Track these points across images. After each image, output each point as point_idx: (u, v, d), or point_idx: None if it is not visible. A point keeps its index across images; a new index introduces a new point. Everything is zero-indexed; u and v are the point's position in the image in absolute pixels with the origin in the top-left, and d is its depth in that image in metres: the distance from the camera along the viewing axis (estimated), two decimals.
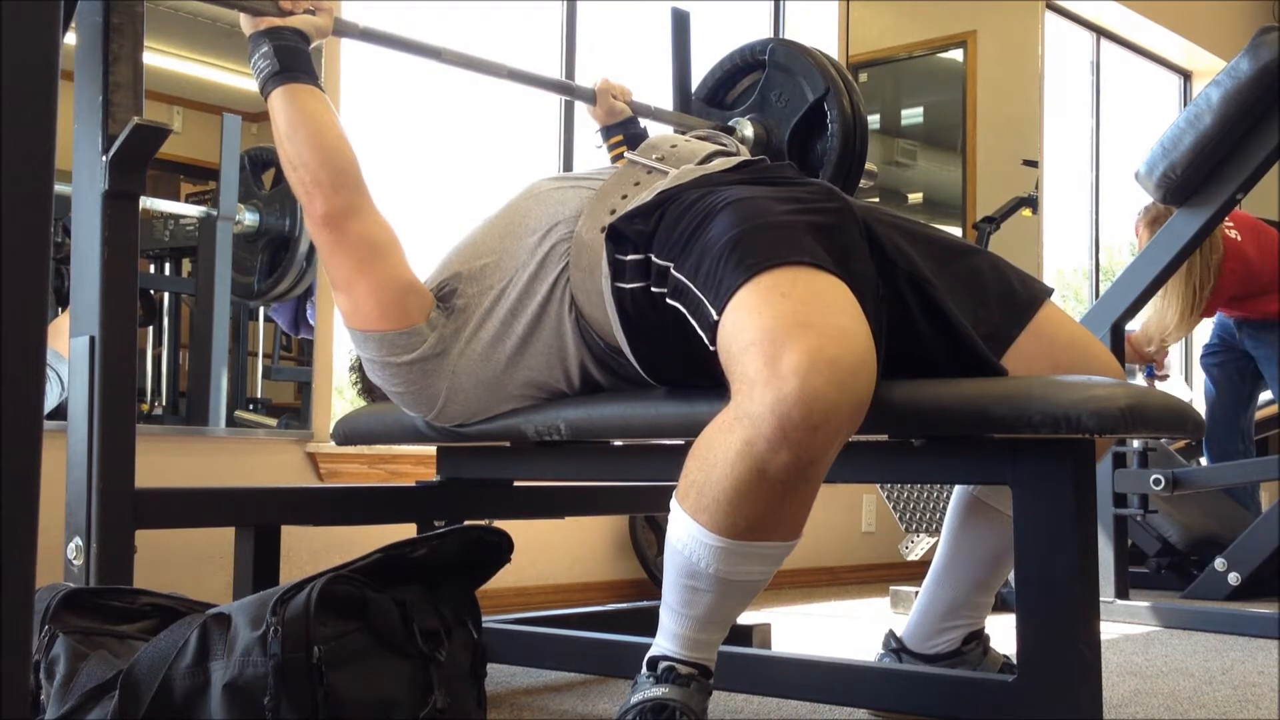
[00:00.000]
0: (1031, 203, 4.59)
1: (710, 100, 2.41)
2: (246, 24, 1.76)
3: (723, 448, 1.33)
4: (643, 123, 2.33)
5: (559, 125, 3.99)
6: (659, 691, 1.41)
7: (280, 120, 1.71)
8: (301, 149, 1.69)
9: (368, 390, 2.09)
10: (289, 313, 3.28)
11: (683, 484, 1.40)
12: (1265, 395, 4.56)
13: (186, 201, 3.22)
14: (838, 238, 1.53)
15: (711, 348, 1.44)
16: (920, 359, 1.58)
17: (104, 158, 1.71)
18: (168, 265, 3.25)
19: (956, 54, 5.25)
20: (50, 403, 2.51)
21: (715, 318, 1.43)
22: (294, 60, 1.73)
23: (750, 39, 2.38)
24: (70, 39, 1.80)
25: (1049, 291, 1.73)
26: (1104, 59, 6.30)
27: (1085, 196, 6.27)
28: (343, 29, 1.89)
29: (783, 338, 1.31)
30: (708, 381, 1.59)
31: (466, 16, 3.96)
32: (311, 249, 3.17)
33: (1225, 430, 4.35)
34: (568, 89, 2.38)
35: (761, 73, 2.30)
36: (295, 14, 1.76)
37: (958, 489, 1.84)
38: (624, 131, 2.29)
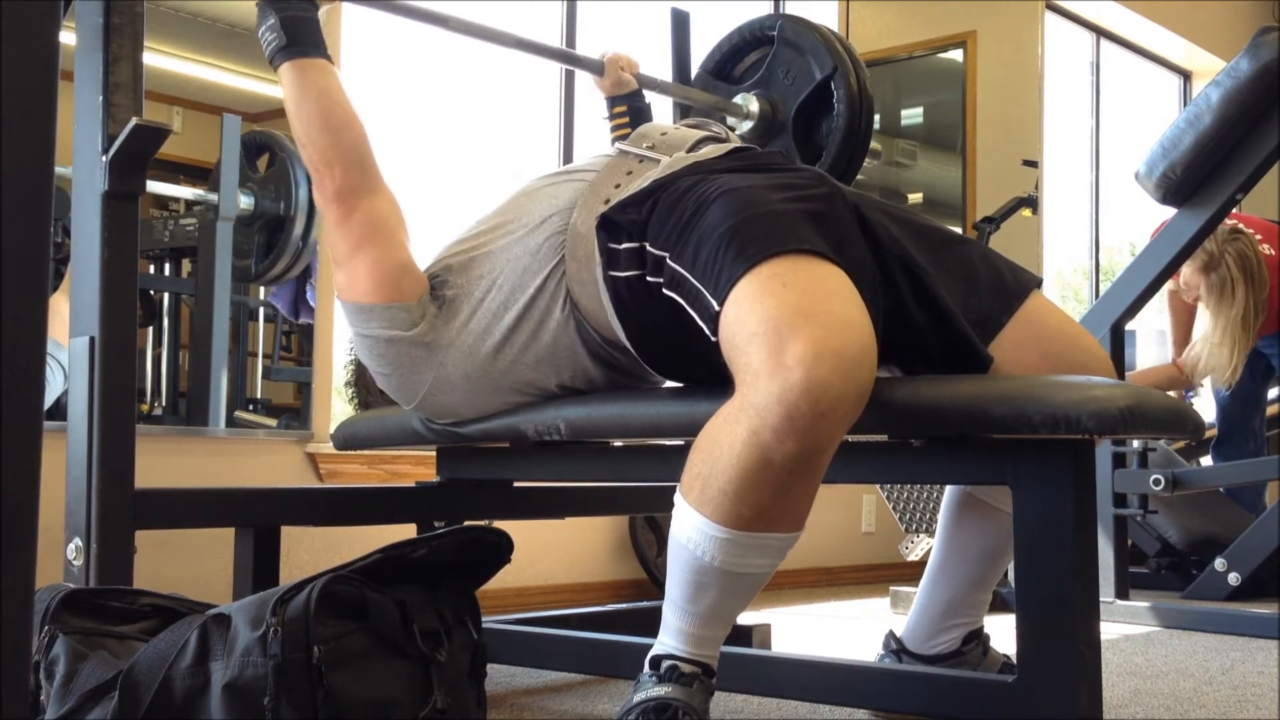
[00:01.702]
0: (1031, 203, 4.59)
1: (716, 73, 2.40)
2: None
3: (728, 438, 1.34)
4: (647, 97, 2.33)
5: (559, 116, 3.99)
6: (662, 691, 1.40)
7: (289, 96, 1.71)
8: (310, 127, 1.70)
9: (364, 405, 2.09)
10: (288, 296, 3.28)
11: (687, 477, 1.40)
12: (1272, 392, 4.53)
13: (186, 203, 3.23)
14: (832, 224, 1.53)
15: (713, 339, 1.44)
16: (911, 345, 1.59)
17: (104, 158, 1.71)
18: (168, 265, 3.26)
19: (956, 54, 5.25)
20: (53, 393, 2.50)
21: (716, 309, 1.42)
22: (301, 32, 1.72)
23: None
24: (70, 39, 1.80)
25: (1038, 281, 1.73)
26: (1104, 59, 6.30)
27: (1085, 196, 6.27)
28: None
29: (786, 328, 1.31)
30: (704, 368, 1.59)
31: (467, 16, 3.95)
32: (307, 229, 3.19)
33: (1238, 431, 4.33)
34: (574, 59, 2.36)
35: (769, 48, 2.29)
36: None
37: (950, 488, 1.84)
38: (629, 103, 2.30)
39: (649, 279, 1.58)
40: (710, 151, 1.76)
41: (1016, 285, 1.70)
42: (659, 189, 1.63)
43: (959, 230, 4.87)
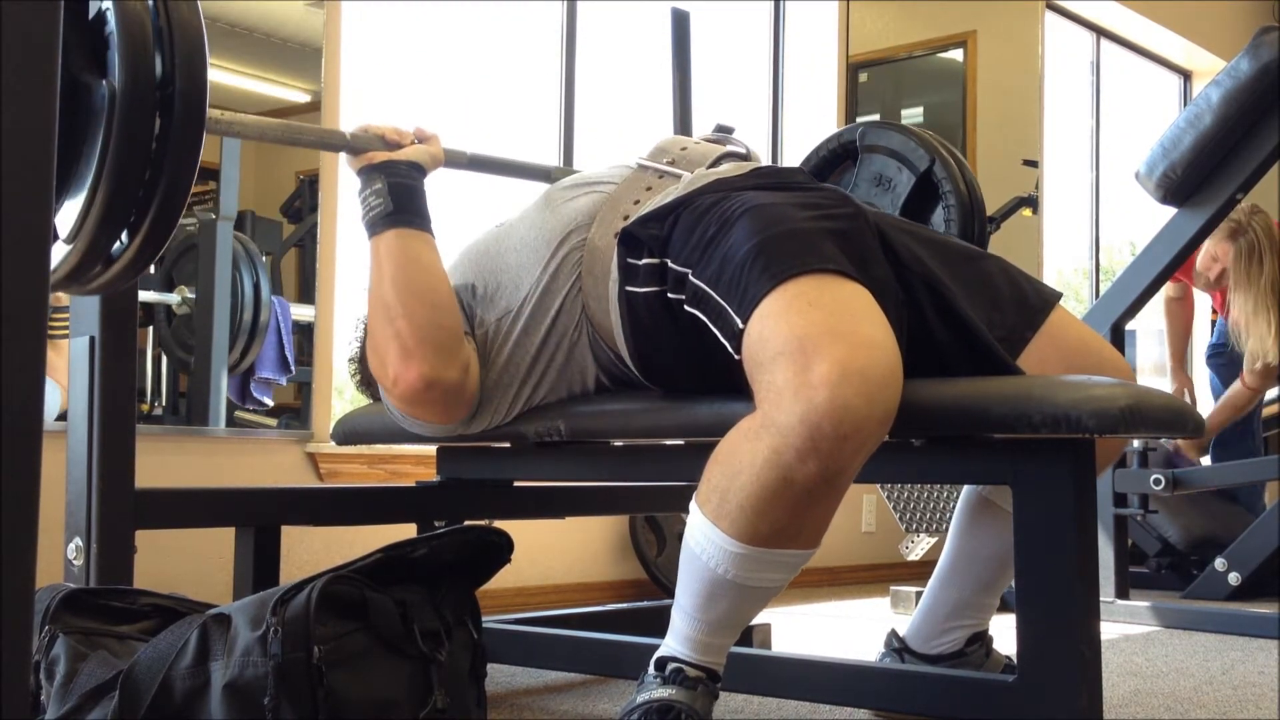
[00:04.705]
0: (1031, 203, 4.58)
1: None
2: (352, 160, 1.70)
3: (748, 455, 1.33)
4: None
5: (559, 124, 3.99)
6: (665, 693, 1.40)
7: (388, 265, 1.63)
8: (411, 303, 1.62)
9: (367, 383, 2.08)
10: (236, 385, 3.28)
11: (703, 489, 1.39)
12: (1271, 393, 4.54)
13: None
14: (856, 243, 1.53)
15: (736, 356, 1.44)
16: (936, 363, 1.58)
17: None
18: None
19: (956, 54, 5.25)
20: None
21: (740, 326, 1.42)
22: (409, 200, 1.66)
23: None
24: None
25: (1059, 295, 1.73)
26: (1104, 59, 6.30)
27: (1085, 196, 6.27)
28: (451, 158, 1.80)
29: (812, 348, 1.31)
30: (704, 388, 1.59)
31: (466, 17, 3.96)
32: (255, 322, 3.21)
33: (1233, 430, 4.34)
34: None
35: (852, 163, 2.20)
36: (404, 145, 1.70)
37: (965, 489, 1.84)
38: None
39: (669, 295, 1.57)
40: (732, 169, 1.75)
41: (1039, 301, 1.70)
42: (681, 205, 1.62)
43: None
